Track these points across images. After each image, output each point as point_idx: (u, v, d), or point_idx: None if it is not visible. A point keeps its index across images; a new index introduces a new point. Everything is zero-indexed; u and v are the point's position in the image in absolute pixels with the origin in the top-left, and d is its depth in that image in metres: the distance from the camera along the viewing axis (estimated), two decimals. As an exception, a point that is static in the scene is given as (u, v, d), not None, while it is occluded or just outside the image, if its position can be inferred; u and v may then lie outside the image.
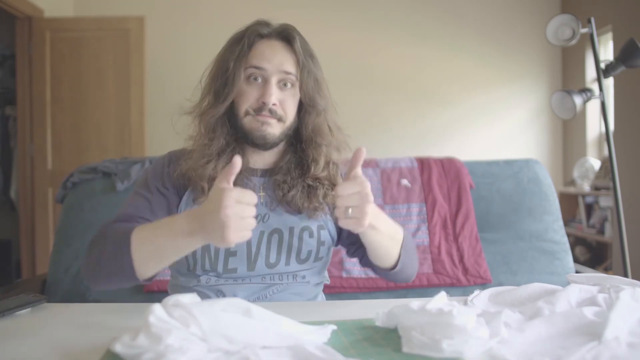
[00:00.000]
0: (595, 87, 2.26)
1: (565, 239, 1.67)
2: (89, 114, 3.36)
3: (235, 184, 0.83)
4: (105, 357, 0.64)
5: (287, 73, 0.97)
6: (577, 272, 1.62)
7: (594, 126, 3.89)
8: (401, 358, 0.65)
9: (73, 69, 3.36)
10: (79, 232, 1.62)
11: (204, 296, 0.97)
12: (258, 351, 0.62)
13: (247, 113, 0.96)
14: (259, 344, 0.64)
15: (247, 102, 0.96)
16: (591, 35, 2.07)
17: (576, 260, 3.50)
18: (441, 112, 4.02)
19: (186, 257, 0.95)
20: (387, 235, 0.92)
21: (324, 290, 1.19)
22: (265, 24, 1.01)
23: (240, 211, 0.72)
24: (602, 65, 2.07)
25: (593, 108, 3.82)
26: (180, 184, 0.99)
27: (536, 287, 0.91)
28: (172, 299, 0.64)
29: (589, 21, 2.06)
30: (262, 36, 0.99)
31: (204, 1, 3.89)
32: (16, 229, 3.57)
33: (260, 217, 0.97)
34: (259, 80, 0.96)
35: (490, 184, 1.73)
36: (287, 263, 0.99)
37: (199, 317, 0.61)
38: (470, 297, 0.92)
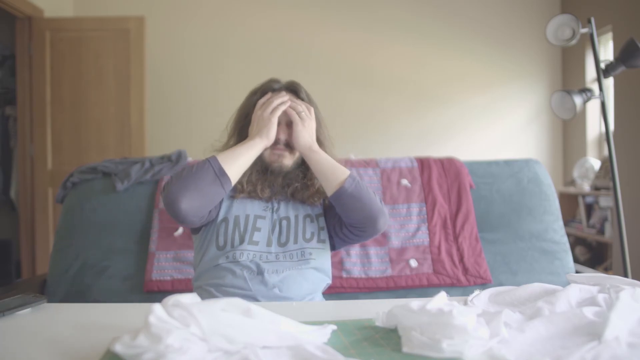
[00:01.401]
0: (595, 87, 2.26)
1: (565, 239, 1.67)
2: (89, 114, 3.36)
3: (258, 183, 1.22)
4: (105, 357, 0.64)
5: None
6: (577, 272, 1.63)
7: (594, 126, 3.89)
8: (401, 358, 0.65)
9: (73, 69, 3.36)
10: (79, 232, 1.62)
11: (229, 271, 1.15)
12: (258, 351, 0.62)
13: (265, 147, 1.20)
14: (259, 344, 0.64)
15: None
16: (591, 35, 2.07)
17: (576, 260, 3.50)
18: (441, 112, 4.02)
19: (217, 238, 1.18)
20: (327, 159, 1.18)
21: (324, 292, 1.26)
22: (276, 80, 1.28)
23: (265, 113, 1.17)
24: (602, 65, 2.06)
25: (593, 108, 3.82)
26: None
27: (536, 287, 0.91)
28: (172, 299, 0.64)
29: (589, 21, 2.06)
30: (273, 90, 1.27)
31: (204, 1, 3.89)
32: (16, 229, 3.57)
33: (274, 209, 1.24)
34: None
35: (490, 184, 1.73)
36: (295, 241, 1.20)
37: (199, 317, 0.61)
38: (470, 297, 0.92)
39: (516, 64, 4.07)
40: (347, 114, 3.90)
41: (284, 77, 1.31)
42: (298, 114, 1.19)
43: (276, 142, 1.20)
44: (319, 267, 1.21)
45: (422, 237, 1.62)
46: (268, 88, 1.26)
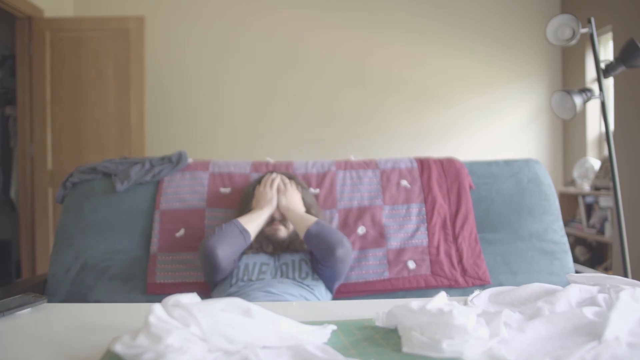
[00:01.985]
0: (595, 87, 2.26)
1: (565, 239, 1.67)
2: (88, 114, 3.36)
3: (263, 242, 1.55)
4: (105, 357, 0.64)
5: None
6: (577, 272, 1.62)
7: (594, 126, 3.89)
8: (401, 358, 0.65)
9: (73, 69, 3.36)
10: (79, 232, 1.62)
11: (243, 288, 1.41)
12: (258, 351, 0.62)
13: (266, 225, 1.55)
14: (259, 344, 0.64)
15: None
16: (591, 35, 2.07)
17: (576, 260, 3.50)
18: (441, 112, 4.02)
19: (230, 278, 1.44)
20: (299, 215, 1.54)
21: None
22: (272, 172, 1.66)
23: (266, 189, 1.58)
24: (602, 65, 2.06)
25: (593, 108, 3.82)
26: None
27: (536, 287, 0.91)
28: (172, 299, 0.64)
29: (589, 21, 2.06)
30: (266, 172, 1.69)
31: (204, 1, 3.89)
32: (16, 229, 3.57)
33: (276, 258, 1.53)
34: None
35: (490, 184, 1.73)
36: (294, 279, 1.44)
37: (199, 317, 0.61)
38: (470, 297, 0.92)
39: (516, 64, 4.07)
40: (347, 114, 3.90)
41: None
42: (284, 185, 1.61)
43: (273, 219, 1.56)
44: (320, 298, 1.45)
45: (421, 237, 1.62)
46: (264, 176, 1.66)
